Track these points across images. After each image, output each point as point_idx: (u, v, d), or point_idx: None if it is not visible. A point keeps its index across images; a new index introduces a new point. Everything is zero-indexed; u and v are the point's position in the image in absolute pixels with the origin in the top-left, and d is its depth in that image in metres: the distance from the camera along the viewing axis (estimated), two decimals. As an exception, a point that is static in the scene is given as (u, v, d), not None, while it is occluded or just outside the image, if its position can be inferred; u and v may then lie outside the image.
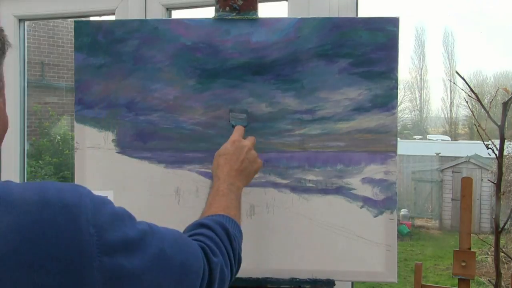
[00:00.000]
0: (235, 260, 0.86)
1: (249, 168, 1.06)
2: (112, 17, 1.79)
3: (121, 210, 0.66)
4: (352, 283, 1.57)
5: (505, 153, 1.51)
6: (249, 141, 1.10)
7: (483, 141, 1.43)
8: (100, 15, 1.88)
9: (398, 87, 1.24)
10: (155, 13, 1.70)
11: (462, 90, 1.48)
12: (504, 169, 1.52)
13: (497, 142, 1.41)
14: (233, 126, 1.20)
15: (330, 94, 1.24)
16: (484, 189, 8.76)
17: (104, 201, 0.65)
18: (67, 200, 0.60)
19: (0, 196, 0.58)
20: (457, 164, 9.57)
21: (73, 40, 1.28)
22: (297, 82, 1.24)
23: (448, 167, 9.67)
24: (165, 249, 0.69)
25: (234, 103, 1.25)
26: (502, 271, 1.41)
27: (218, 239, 0.83)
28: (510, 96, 1.38)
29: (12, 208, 0.57)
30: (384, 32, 1.22)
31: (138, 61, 1.27)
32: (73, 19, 1.47)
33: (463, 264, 1.36)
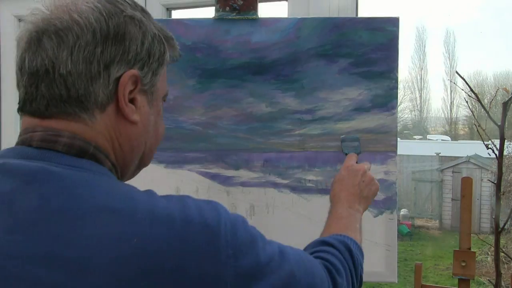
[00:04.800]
0: (357, 281, 0.83)
1: (366, 191, 1.02)
2: (112, 17, 1.79)
3: (253, 230, 0.65)
4: (352, 283, 1.57)
5: (505, 153, 1.51)
6: (363, 165, 1.07)
7: (483, 141, 1.43)
8: (100, 15, 1.87)
9: (398, 87, 1.24)
10: (155, 13, 1.70)
11: (462, 90, 1.48)
12: (504, 169, 1.52)
13: (497, 142, 1.41)
14: (346, 154, 1.18)
15: (330, 94, 1.24)
16: (484, 189, 8.77)
17: (239, 220, 0.63)
18: (208, 220, 0.59)
19: (148, 209, 0.57)
20: (457, 164, 9.59)
21: (73, 40, 1.28)
22: (297, 82, 1.24)
23: (448, 167, 9.68)
24: (294, 271, 0.66)
25: (234, 103, 1.25)
26: (502, 271, 1.41)
27: (342, 257, 0.80)
28: (510, 96, 1.38)
29: (158, 222, 0.57)
30: (384, 32, 1.22)
31: (138, 61, 1.27)
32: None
33: (463, 264, 1.36)
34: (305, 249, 0.84)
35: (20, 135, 0.66)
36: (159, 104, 0.74)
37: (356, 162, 1.09)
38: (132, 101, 0.67)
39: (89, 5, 0.64)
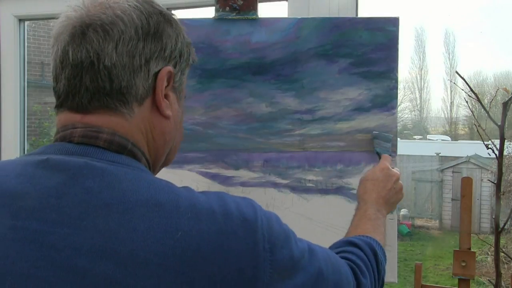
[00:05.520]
0: (379, 284, 0.84)
1: (393, 198, 1.03)
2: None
3: (286, 227, 0.67)
4: (352, 283, 1.57)
5: (505, 153, 1.51)
6: (397, 172, 1.07)
7: (483, 141, 1.43)
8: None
9: (398, 87, 1.24)
10: (155, 13, 1.70)
11: (462, 90, 1.48)
12: (504, 169, 1.52)
13: (497, 142, 1.41)
14: (377, 153, 1.19)
15: (330, 94, 1.24)
16: (484, 189, 8.76)
17: (273, 216, 0.65)
18: (245, 214, 0.61)
19: (190, 203, 0.59)
20: (457, 164, 9.58)
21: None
22: (297, 82, 1.24)
23: (448, 167, 9.67)
24: (322, 269, 0.68)
25: (234, 103, 1.25)
26: (502, 271, 1.41)
27: (367, 259, 0.81)
28: (510, 96, 1.38)
29: (201, 215, 0.58)
30: (384, 32, 1.22)
31: (138, 61, 1.27)
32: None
33: (463, 264, 1.36)
34: (331, 247, 0.85)
35: (57, 132, 0.67)
36: (183, 104, 0.78)
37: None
38: (165, 97, 0.71)
39: (130, 4, 0.68)
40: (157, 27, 0.69)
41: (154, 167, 0.74)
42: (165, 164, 0.79)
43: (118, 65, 0.65)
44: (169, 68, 0.70)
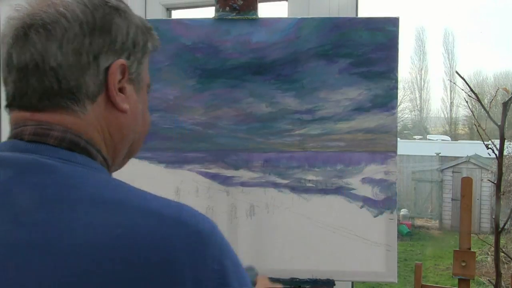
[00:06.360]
0: None
1: None
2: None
3: (238, 258, 0.64)
4: (352, 283, 1.57)
5: (505, 153, 1.51)
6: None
7: (483, 141, 1.43)
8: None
9: (398, 87, 1.24)
10: (155, 13, 1.70)
11: (462, 90, 1.48)
12: (504, 169, 1.52)
13: (497, 142, 1.41)
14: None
15: (330, 94, 1.24)
16: (484, 189, 8.76)
17: (230, 246, 0.62)
18: (201, 227, 0.59)
19: (139, 203, 0.58)
20: (457, 164, 9.58)
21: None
22: (297, 82, 1.24)
23: (448, 167, 9.68)
24: None
25: (234, 103, 1.25)
26: (502, 271, 1.41)
27: None
28: (510, 96, 1.38)
29: (148, 217, 0.57)
30: (384, 32, 1.22)
31: (138, 61, 1.27)
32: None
33: (463, 264, 1.36)
34: None
35: (11, 130, 0.66)
36: (145, 94, 0.75)
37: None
38: (121, 90, 0.68)
39: None
40: (103, 20, 0.65)
41: (113, 162, 0.72)
42: (129, 155, 0.76)
43: (64, 65, 0.62)
44: (121, 61, 0.67)
